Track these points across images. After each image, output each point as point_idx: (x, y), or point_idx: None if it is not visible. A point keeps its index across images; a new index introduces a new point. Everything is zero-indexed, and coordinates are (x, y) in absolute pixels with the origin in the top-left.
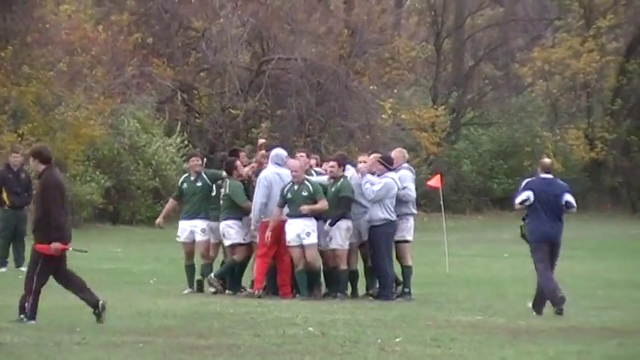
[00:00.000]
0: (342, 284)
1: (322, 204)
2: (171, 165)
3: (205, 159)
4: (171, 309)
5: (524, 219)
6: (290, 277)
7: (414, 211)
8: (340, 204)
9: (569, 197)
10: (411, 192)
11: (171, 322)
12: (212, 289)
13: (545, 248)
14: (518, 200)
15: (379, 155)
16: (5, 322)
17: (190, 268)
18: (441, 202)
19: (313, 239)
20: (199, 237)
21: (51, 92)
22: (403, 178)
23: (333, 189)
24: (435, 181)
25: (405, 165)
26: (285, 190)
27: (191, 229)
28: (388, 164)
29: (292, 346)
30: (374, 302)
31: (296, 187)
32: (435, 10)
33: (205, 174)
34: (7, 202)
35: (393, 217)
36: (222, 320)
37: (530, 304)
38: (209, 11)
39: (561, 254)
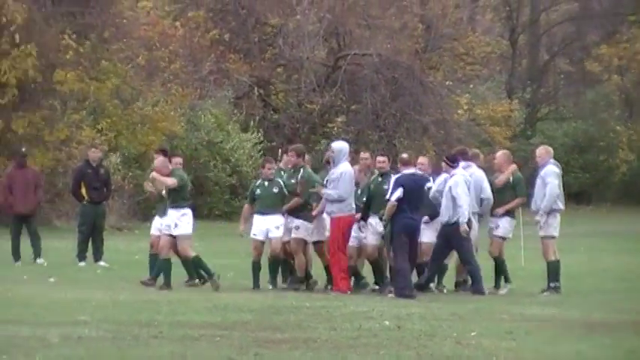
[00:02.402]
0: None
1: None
2: (248, 161)
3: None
4: (248, 303)
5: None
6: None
7: (562, 206)
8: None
9: (430, 184)
10: (553, 186)
11: (248, 316)
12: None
13: (406, 238)
14: (394, 197)
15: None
16: (84, 316)
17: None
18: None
19: (279, 233)
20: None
21: (129, 87)
22: (548, 173)
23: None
24: None
25: (552, 161)
26: (256, 186)
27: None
28: (452, 162)
29: (368, 340)
30: (449, 296)
31: (266, 184)
32: (510, 6)
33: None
34: (86, 198)
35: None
36: (298, 314)
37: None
38: (285, 7)
39: (630, 248)
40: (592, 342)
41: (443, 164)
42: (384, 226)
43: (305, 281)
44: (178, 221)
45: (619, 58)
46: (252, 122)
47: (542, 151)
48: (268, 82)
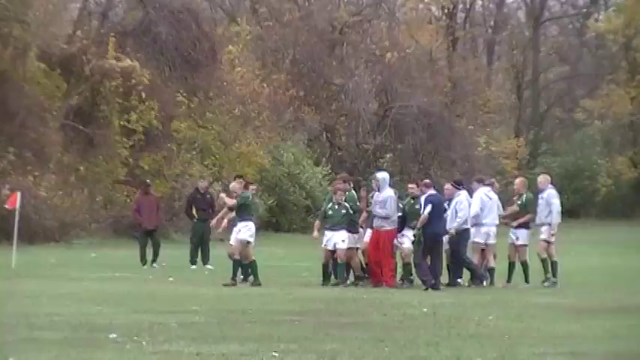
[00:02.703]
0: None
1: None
2: (319, 187)
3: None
4: (319, 295)
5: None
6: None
7: (559, 220)
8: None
9: (446, 205)
10: (557, 206)
11: (319, 306)
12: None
13: (431, 244)
14: (427, 211)
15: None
16: (195, 306)
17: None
18: None
19: (344, 245)
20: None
21: (228, 132)
22: (551, 196)
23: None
24: None
25: (550, 186)
26: (328, 207)
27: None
28: (458, 185)
29: (411, 322)
30: (472, 288)
31: (336, 207)
32: (517, 68)
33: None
34: (196, 216)
35: (467, 225)
36: (357, 303)
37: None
38: (346, 71)
39: (616, 252)
40: (581, 323)
41: (450, 186)
42: (414, 234)
43: (364, 276)
44: (242, 228)
45: (600, 109)
46: (323, 159)
47: (542, 179)
48: (334, 128)
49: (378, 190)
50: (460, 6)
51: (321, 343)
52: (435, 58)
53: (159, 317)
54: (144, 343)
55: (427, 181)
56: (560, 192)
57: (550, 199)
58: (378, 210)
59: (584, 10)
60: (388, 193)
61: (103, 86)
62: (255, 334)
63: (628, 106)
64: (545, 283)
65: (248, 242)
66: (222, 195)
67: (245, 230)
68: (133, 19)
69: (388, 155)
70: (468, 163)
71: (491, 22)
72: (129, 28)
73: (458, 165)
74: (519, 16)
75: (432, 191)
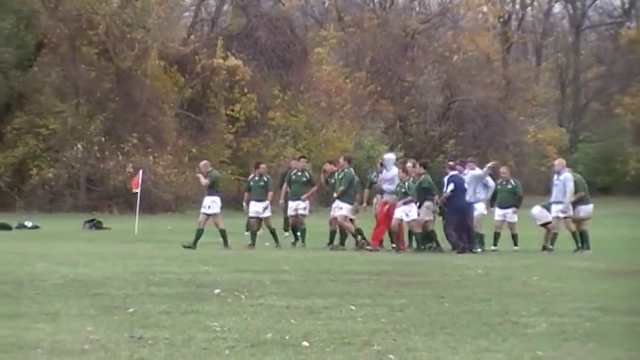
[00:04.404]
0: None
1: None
2: None
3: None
4: (389, 258)
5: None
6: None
7: (572, 199)
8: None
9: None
10: (571, 188)
11: (389, 267)
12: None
13: (457, 215)
14: (449, 190)
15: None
16: (286, 267)
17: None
18: None
19: (413, 215)
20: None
21: (316, 121)
22: (567, 179)
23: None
24: None
25: (567, 169)
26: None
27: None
28: (455, 168)
29: (468, 282)
30: (519, 253)
31: (406, 184)
32: (561, 68)
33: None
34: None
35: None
36: (422, 265)
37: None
38: (417, 69)
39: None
40: (611, 283)
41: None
42: (440, 208)
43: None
44: (211, 203)
45: (631, 103)
46: (398, 145)
47: (558, 163)
48: (406, 118)
49: (386, 169)
50: (513, 15)
51: (392, 298)
52: (492, 59)
53: (256, 276)
54: (243, 297)
55: (450, 163)
56: (595, 173)
57: (566, 181)
58: (388, 186)
59: (619, 19)
60: (394, 171)
61: (212, 81)
62: (336, 290)
63: None
64: (577, 252)
65: (215, 214)
66: (199, 175)
67: (215, 205)
68: (237, 25)
69: (451, 141)
70: (518, 148)
71: (540, 29)
72: (234, 33)
73: (510, 149)
74: (563, 24)
75: (453, 172)
